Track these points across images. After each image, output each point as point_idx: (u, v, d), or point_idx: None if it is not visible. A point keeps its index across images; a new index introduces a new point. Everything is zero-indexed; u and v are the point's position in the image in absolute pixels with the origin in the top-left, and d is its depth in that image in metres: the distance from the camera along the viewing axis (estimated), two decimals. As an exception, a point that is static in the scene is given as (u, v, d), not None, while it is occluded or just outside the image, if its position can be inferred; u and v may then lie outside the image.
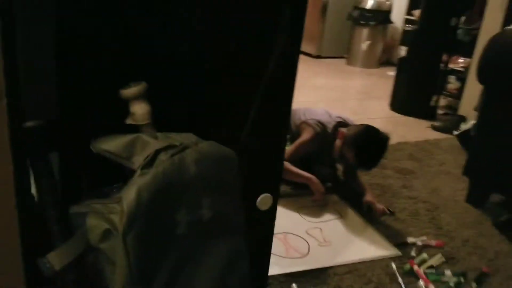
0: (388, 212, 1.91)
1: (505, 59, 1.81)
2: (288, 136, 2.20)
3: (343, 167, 2.13)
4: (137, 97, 0.72)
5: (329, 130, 2.01)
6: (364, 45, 5.00)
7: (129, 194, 0.62)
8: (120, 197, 0.62)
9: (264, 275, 1.11)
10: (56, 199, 0.65)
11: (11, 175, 0.57)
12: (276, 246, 1.61)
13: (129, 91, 0.71)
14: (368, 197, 1.95)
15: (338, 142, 1.92)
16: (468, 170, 2.08)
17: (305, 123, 2.05)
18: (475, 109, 2.71)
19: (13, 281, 0.63)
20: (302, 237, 1.69)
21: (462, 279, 1.52)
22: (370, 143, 1.85)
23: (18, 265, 0.62)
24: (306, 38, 6.10)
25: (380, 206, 1.91)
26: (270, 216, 1.05)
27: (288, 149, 2.03)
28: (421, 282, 1.48)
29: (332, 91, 3.94)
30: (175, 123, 0.78)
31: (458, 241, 1.78)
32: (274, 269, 1.47)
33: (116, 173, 0.71)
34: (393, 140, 2.83)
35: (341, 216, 1.88)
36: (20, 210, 0.60)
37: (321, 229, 1.76)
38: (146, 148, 0.68)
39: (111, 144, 0.68)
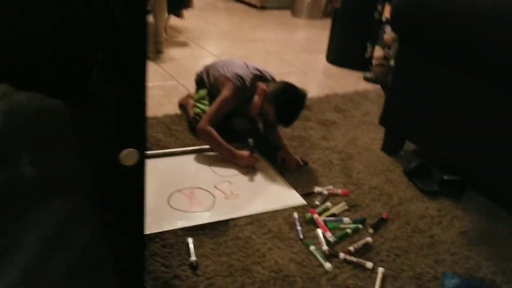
0: (301, 163, 1.93)
1: (415, 8, 1.79)
2: (205, 91, 2.14)
3: (263, 122, 2.12)
4: None
5: (248, 84, 1.97)
6: (308, -4, 4.87)
7: None
8: None
9: (139, 235, 1.08)
10: None
11: None
12: (181, 201, 1.59)
13: None
14: (283, 149, 1.95)
15: (257, 99, 1.91)
16: (383, 119, 2.11)
17: (224, 76, 1.99)
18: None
19: None
20: (209, 191, 1.68)
21: (360, 226, 1.57)
22: (288, 100, 1.87)
23: None
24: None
25: (294, 157, 1.93)
26: (138, 171, 1.01)
27: (209, 109, 1.96)
28: (319, 230, 1.52)
29: (272, 44, 3.85)
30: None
31: (365, 189, 1.82)
32: (175, 225, 1.45)
33: None
34: (321, 93, 2.84)
35: (254, 169, 1.88)
36: None
37: (230, 182, 1.75)
38: None
39: None
